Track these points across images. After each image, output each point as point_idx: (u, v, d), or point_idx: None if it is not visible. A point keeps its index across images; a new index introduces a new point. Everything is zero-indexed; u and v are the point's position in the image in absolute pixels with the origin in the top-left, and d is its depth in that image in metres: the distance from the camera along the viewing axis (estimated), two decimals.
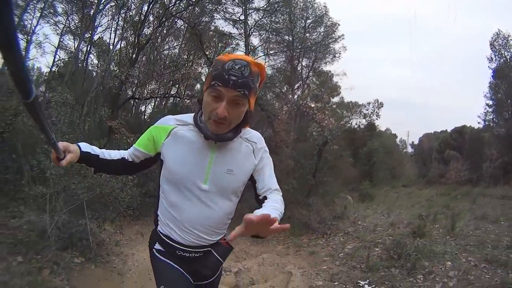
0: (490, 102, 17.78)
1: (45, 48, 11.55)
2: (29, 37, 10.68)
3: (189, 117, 1.10)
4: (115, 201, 3.06)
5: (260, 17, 14.79)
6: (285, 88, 17.25)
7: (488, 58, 17.25)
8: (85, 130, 5.38)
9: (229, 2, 14.07)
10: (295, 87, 17.14)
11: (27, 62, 10.41)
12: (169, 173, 1.08)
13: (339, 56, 16.85)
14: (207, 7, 13.39)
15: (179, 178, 1.06)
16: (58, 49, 12.03)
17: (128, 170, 1.23)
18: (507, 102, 16.85)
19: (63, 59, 12.55)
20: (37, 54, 11.70)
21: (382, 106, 20.46)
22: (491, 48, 17.18)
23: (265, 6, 14.53)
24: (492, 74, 17.39)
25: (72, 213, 2.69)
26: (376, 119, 19.99)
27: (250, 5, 14.27)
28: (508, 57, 16.77)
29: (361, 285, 2.79)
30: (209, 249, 1.13)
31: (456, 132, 21.27)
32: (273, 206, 0.99)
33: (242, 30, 13.95)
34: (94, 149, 1.13)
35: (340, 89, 19.78)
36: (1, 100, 4.80)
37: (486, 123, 18.27)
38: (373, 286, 2.73)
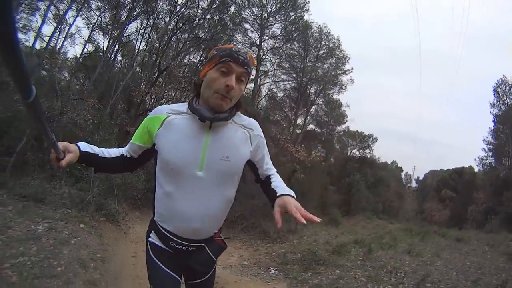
0: (487, 147, 19.00)
1: (75, 39, 13.54)
2: (61, 27, 12.75)
3: (182, 106, 1.19)
4: (128, 190, 5.07)
5: (275, 42, 16.67)
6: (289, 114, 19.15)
7: (490, 104, 18.52)
8: (115, 133, 7.38)
9: (248, 25, 16.26)
10: (300, 112, 18.99)
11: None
12: (163, 162, 1.14)
13: (345, 88, 18.70)
14: (228, 25, 15.56)
15: (173, 167, 1.11)
16: (88, 43, 14.14)
17: (128, 167, 1.30)
18: (507, 149, 17.81)
19: (90, 52, 14.58)
20: (67, 44, 13.59)
21: (376, 141, 22.04)
22: (494, 94, 18.43)
23: (282, 33, 16.50)
24: (493, 119, 18.69)
25: (104, 190, 4.75)
26: (369, 152, 21.42)
27: (268, 31, 16.32)
28: (510, 103, 17.89)
29: (270, 270, 4.61)
30: (203, 244, 1.20)
31: (455, 172, 23.14)
32: (284, 187, 1.14)
33: (255, 55, 15.89)
34: (93, 148, 1.20)
35: (346, 118, 21.67)
36: (50, 101, 6.84)
37: (485, 167, 19.52)
38: (276, 272, 4.54)
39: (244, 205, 7.67)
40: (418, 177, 37.06)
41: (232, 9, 15.26)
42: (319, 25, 17.20)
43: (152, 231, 1.25)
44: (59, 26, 12.70)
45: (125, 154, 1.25)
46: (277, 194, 1.07)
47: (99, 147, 1.24)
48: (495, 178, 16.88)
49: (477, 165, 19.90)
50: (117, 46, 13.89)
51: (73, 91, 9.03)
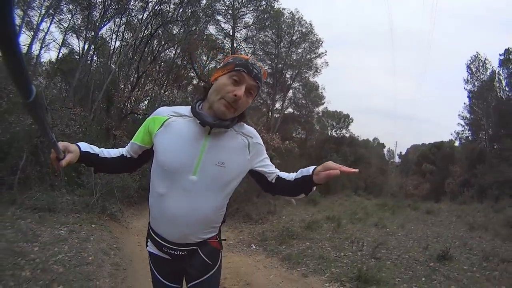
0: (463, 122, 19.91)
1: (49, 44, 13.67)
2: (33, 33, 12.74)
3: (184, 109, 1.22)
4: (125, 191, 6.04)
5: (248, 31, 17.28)
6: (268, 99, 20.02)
7: (464, 80, 19.35)
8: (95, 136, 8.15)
9: (220, 17, 16.79)
10: (277, 97, 19.93)
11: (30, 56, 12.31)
12: (159, 163, 1.17)
13: (320, 71, 19.71)
14: (201, 17, 16.05)
15: (167, 168, 1.14)
16: (62, 47, 14.40)
17: (128, 167, 1.35)
18: (482, 123, 18.61)
19: (65, 55, 14.92)
20: (40, 49, 13.51)
21: (352, 121, 23.42)
22: (467, 71, 19.26)
23: (254, 22, 17.12)
24: (467, 95, 19.48)
25: (105, 193, 5.73)
26: (346, 132, 22.73)
27: (240, 21, 16.91)
28: (485, 79, 18.60)
29: (252, 246, 5.73)
30: (195, 248, 1.23)
31: (435, 147, 23.90)
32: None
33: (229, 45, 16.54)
34: (93, 149, 1.25)
35: (324, 100, 22.82)
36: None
37: (462, 141, 20.58)
38: (256, 247, 5.66)
39: None
40: (401, 152, 38.90)
41: (204, 1, 15.75)
42: (291, 11, 17.98)
43: (149, 239, 1.31)
44: (35, 35, 12.90)
45: (125, 154, 1.30)
46: (311, 169, 1.17)
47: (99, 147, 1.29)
48: (470, 152, 17.97)
49: (455, 139, 21.02)
50: (92, 47, 14.17)
51: (59, 101, 9.63)
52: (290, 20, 18.21)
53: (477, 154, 16.57)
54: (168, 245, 1.21)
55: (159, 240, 1.22)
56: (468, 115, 19.55)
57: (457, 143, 21.20)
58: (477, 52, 18.94)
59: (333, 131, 24.45)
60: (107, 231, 4.80)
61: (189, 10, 15.40)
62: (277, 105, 20.55)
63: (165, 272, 1.31)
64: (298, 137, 22.81)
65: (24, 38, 13.32)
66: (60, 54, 14.48)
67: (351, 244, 5.58)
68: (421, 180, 22.41)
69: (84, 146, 1.22)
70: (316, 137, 23.74)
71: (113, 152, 1.31)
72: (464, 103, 19.89)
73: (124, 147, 1.35)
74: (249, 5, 16.56)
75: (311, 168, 1.18)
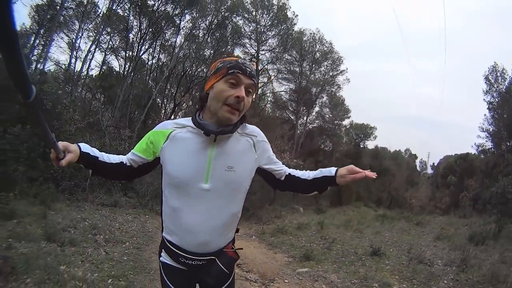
0: (484, 135, 20.59)
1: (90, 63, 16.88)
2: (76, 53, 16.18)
3: (186, 120, 1.33)
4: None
5: (272, 53, 20.14)
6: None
7: (483, 91, 20.02)
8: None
9: (246, 39, 19.88)
10: (302, 112, 22.58)
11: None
12: (169, 177, 1.27)
13: (341, 88, 22.11)
14: (229, 40, 19.23)
15: (179, 181, 1.24)
16: (103, 66, 18.13)
17: (127, 175, 1.45)
18: (505, 134, 19.21)
19: (105, 72, 18.30)
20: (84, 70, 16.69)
21: (375, 132, 25.03)
22: (485, 82, 19.91)
23: (278, 44, 19.95)
24: (487, 107, 20.20)
25: (153, 195, 8.99)
26: (363, 146, 24.65)
27: (264, 44, 19.86)
28: (502, 90, 19.19)
29: (252, 237, 8.58)
30: (213, 257, 1.33)
31: (461, 158, 24.51)
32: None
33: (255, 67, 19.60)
34: (94, 151, 1.34)
35: (349, 113, 25.07)
36: (99, 140, 10.96)
37: (486, 153, 21.31)
38: (254, 237, 8.47)
39: (246, 200, 11.78)
40: (433, 163, 38.85)
41: (230, 27, 18.97)
42: (312, 31, 20.74)
43: (163, 250, 1.41)
44: (86, 57, 16.36)
45: (124, 162, 1.39)
46: (333, 170, 1.38)
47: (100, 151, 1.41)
48: (485, 164, 18.82)
49: (475, 151, 21.83)
50: (130, 65, 17.28)
51: (110, 122, 13.12)
52: (311, 40, 21.02)
53: (491, 167, 17.40)
54: (186, 255, 1.31)
55: (176, 251, 1.32)
56: (489, 127, 20.18)
57: (482, 156, 21.73)
58: (495, 62, 19.53)
59: (360, 143, 26.49)
60: (156, 219, 7.90)
61: (218, 34, 18.68)
62: (302, 121, 23.12)
63: (178, 283, 1.39)
64: (326, 149, 25.26)
65: (66, 58, 16.77)
66: (101, 72, 17.97)
67: (321, 240, 8.17)
68: (447, 193, 23.00)
69: (85, 147, 1.31)
70: (340, 149, 25.76)
71: (113, 158, 1.40)
72: (485, 114, 20.52)
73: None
74: (272, 30, 19.44)
75: (333, 169, 1.36)
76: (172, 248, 1.34)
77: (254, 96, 1.33)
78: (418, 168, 36.14)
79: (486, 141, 20.83)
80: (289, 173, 1.44)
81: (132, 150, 1.41)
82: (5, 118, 6.85)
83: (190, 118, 1.34)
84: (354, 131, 27.52)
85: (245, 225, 10.50)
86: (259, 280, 5.01)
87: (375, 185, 21.87)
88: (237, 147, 1.31)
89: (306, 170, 1.51)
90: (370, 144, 27.74)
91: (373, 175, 1.27)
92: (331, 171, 1.37)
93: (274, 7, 19.15)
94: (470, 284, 4.82)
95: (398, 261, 6.13)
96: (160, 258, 1.44)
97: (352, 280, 5.05)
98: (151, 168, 1.42)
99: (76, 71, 16.04)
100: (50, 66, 15.69)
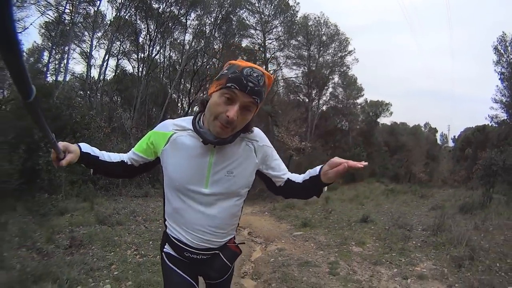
0: (496, 106, 20.68)
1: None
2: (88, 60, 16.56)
3: (187, 122, 1.33)
4: None
5: (279, 41, 21.23)
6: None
7: (493, 62, 20.03)
8: None
9: (252, 30, 21.02)
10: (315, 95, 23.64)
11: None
12: (170, 180, 1.32)
13: (351, 68, 22.99)
14: (236, 32, 20.41)
15: (179, 185, 1.29)
16: (116, 69, 19.24)
17: (128, 173, 1.48)
18: None
19: (119, 75, 19.40)
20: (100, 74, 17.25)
21: (390, 108, 25.75)
22: (494, 52, 19.92)
23: (284, 31, 20.99)
24: (499, 78, 20.14)
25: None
26: (378, 122, 25.31)
27: (270, 33, 20.96)
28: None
29: (265, 212, 10.18)
30: (217, 252, 1.41)
31: (478, 131, 24.44)
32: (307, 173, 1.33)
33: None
34: (94, 150, 1.38)
35: (363, 92, 25.82)
36: (124, 143, 12.79)
37: (501, 125, 21.04)
38: (267, 212, 10.04)
39: (263, 184, 13.39)
40: (454, 136, 38.61)
41: (236, 20, 20.23)
42: (316, 16, 21.72)
43: (166, 243, 1.46)
44: (102, 65, 17.25)
45: (125, 161, 1.43)
46: (318, 169, 1.27)
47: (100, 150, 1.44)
48: (497, 136, 19.02)
49: (489, 123, 21.81)
50: (143, 66, 18.39)
51: (132, 124, 14.84)
52: (316, 24, 21.92)
53: (502, 139, 17.57)
54: (191, 250, 1.36)
55: (182, 245, 1.37)
56: (502, 98, 20.21)
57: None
58: (503, 32, 19.51)
59: (375, 120, 27.16)
60: None
61: (224, 27, 19.88)
62: (315, 103, 24.09)
63: (182, 268, 1.44)
64: (343, 129, 26.14)
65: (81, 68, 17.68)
66: (115, 75, 19.09)
67: (323, 212, 9.59)
68: (464, 165, 23.06)
69: (85, 147, 1.34)
70: (357, 127, 26.55)
71: (114, 157, 1.44)
72: (497, 85, 20.48)
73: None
74: (276, 19, 20.49)
75: (318, 167, 1.27)
76: (177, 242, 1.39)
77: (256, 112, 1.25)
78: (439, 141, 35.72)
79: (502, 112, 20.65)
80: (288, 178, 1.41)
81: (133, 149, 1.44)
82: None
83: (191, 119, 1.33)
84: (370, 109, 27.90)
85: (262, 204, 11.94)
86: (263, 242, 6.61)
87: (391, 161, 22.71)
88: (238, 152, 1.31)
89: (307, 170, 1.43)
90: (387, 121, 28.22)
91: (359, 164, 1.12)
92: (316, 170, 1.29)
93: None
94: (435, 245, 5.58)
95: (382, 226, 7.01)
96: (164, 250, 1.48)
97: (336, 240, 6.29)
98: (153, 166, 1.45)
99: (94, 78, 17.40)
100: (67, 78, 16.38)
